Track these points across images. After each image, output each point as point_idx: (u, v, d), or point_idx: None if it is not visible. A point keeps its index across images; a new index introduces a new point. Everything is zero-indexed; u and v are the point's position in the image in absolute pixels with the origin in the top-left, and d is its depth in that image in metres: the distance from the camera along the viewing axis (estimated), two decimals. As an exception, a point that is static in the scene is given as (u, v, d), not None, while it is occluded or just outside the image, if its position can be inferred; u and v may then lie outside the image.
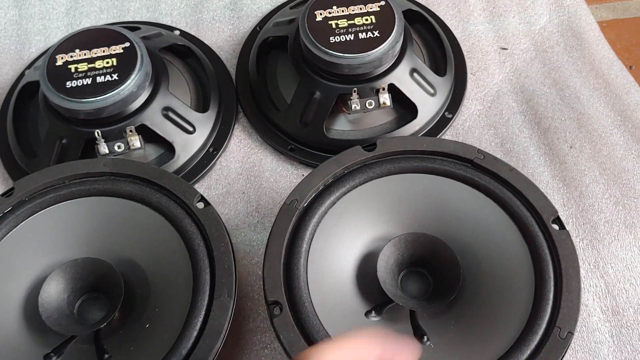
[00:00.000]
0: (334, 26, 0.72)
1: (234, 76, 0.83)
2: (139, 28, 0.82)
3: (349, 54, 0.70)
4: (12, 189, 0.63)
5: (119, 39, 0.73)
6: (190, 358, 0.54)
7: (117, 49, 0.72)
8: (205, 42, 0.86)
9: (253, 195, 0.74)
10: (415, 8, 0.83)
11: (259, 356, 0.64)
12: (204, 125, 0.76)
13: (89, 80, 0.70)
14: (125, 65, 0.71)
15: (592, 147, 0.73)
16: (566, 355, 0.62)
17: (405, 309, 0.60)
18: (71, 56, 0.72)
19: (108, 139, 0.71)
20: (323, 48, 0.71)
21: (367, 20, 0.72)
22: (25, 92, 0.79)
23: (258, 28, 0.87)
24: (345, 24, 0.72)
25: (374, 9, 0.73)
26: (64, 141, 0.72)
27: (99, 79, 0.70)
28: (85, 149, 0.72)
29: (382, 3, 0.74)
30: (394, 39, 0.71)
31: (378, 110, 0.75)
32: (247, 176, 0.75)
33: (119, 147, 0.72)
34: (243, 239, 0.71)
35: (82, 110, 0.69)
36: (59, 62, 0.71)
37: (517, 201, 0.61)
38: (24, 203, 0.63)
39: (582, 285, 0.56)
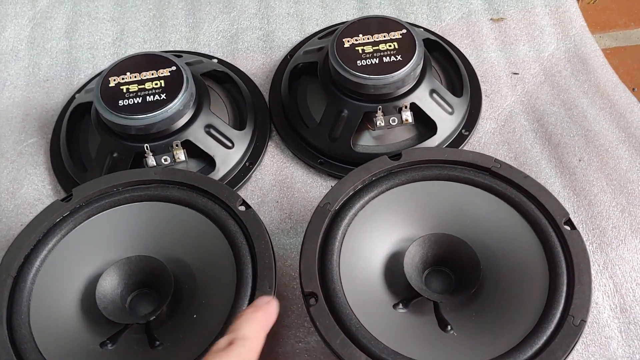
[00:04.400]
0: (360, 51, 0.80)
1: (267, 99, 0.90)
2: (181, 56, 0.90)
3: (374, 76, 0.77)
4: (70, 195, 0.70)
5: (166, 63, 0.80)
6: (235, 342, 0.60)
7: (165, 72, 0.80)
8: (241, 69, 0.93)
9: (286, 204, 0.80)
10: (432, 37, 0.90)
11: (294, 349, 0.69)
12: (241, 141, 0.83)
13: (139, 100, 0.77)
14: (172, 86, 0.78)
15: (599, 160, 0.79)
16: (578, 348, 0.68)
17: (430, 303, 0.66)
18: (122, 78, 0.79)
19: (156, 152, 0.78)
20: (351, 70, 0.78)
21: (390, 46, 0.80)
22: (76, 113, 0.86)
23: (289, 57, 0.94)
24: (371, 49, 0.80)
25: (397, 37, 0.81)
26: (114, 155, 0.79)
27: (149, 98, 0.77)
28: (134, 162, 0.79)
29: (404, 31, 0.81)
30: (415, 62, 0.78)
31: (400, 127, 0.82)
32: (280, 187, 0.82)
33: (165, 160, 0.78)
34: (277, 243, 0.77)
35: (133, 125, 0.76)
36: (112, 84, 0.79)
37: (532, 205, 0.67)
38: (82, 207, 0.69)
39: (592, 280, 0.62)
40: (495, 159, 0.70)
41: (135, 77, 0.79)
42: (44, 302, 0.65)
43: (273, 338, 0.70)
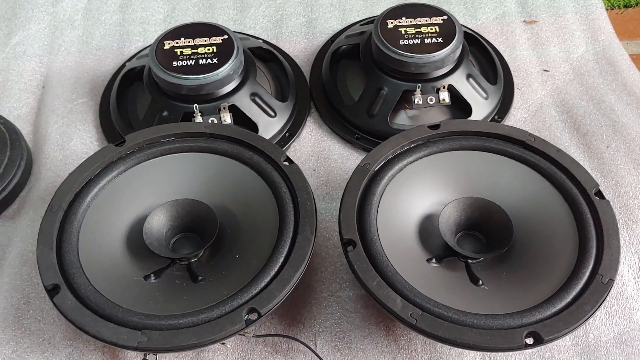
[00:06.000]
0: (403, 32, 0.84)
1: (307, 78, 0.95)
2: (230, 32, 0.95)
3: (415, 54, 0.82)
4: (123, 140, 0.73)
5: (218, 32, 0.85)
6: (277, 277, 0.62)
7: (217, 39, 0.84)
8: (284, 50, 0.98)
9: (323, 172, 0.83)
10: (469, 32, 0.95)
11: (327, 302, 0.72)
12: (282, 112, 0.87)
13: (192, 62, 0.82)
14: (223, 52, 0.83)
15: (626, 147, 0.83)
16: (602, 317, 0.70)
17: (461, 263, 0.68)
18: (177, 42, 0.84)
19: (204, 113, 0.82)
20: (393, 48, 0.82)
21: (431, 29, 0.84)
22: (127, 77, 0.91)
23: (330, 42, 0.99)
24: (413, 31, 0.84)
25: (438, 21, 0.85)
26: (164, 113, 0.83)
27: (201, 62, 0.82)
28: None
29: (445, 17, 0.86)
30: (455, 45, 0.83)
31: (436, 109, 0.86)
32: (318, 158, 0.85)
33: (212, 121, 0.82)
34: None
35: (185, 85, 0.80)
36: (167, 47, 0.83)
37: (563, 176, 0.70)
38: (133, 153, 0.73)
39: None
40: (530, 133, 0.73)
41: (189, 42, 0.84)
42: (92, 234, 0.68)
43: (307, 289, 0.73)
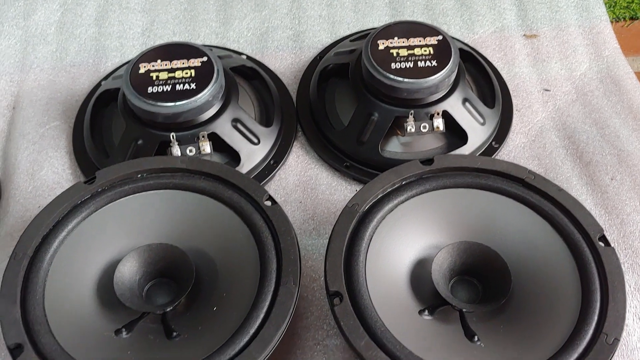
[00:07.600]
0: (395, 54, 0.79)
1: (294, 98, 0.89)
2: (211, 50, 0.89)
3: (408, 79, 0.76)
4: (93, 177, 0.68)
5: (198, 53, 0.79)
6: (257, 337, 0.58)
7: (196, 62, 0.79)
8: (269, 67, 0.92)
9: (309, 205, 0.78)
10: (466, 48, 0.90)
11: (312, 351, 0.68)
12: (267, 138, 0.82)
13: (168, 88, 0.76)
14: (202, 76, 0.77)
15: (632, 180, 0.78)
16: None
17: (456, 312, 0.64)
18: (153, 65, 0.78)
19: (181, 142, 0.77)
20: (385, 72, 0.77)
21: (425, 51, 0.79)
22: (102, 99, 0.85)
23: (319, 58, 0.93)
24: (406, 53, 0.79)
25: (433, 42, 0.80)
26: (139, 142, 0.77)
27: (178, 87, 0.76)
28: (158, 151, 0.77)
29: (440, 37, 0.80)
30: (450, 69, 0.77)
31: (429, 135, 0.81)
32: (304, 188, 0.80)
33: (190, 151, 0.77)
34: (299, 243, 0.75)
35: (161, 113, 0.75)
36: (142, 70, 0.78)
37: (565, 219, 0.65)
38: (104, 191, 0.68)
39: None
40: (529, 170, 0.68)
41: (166, 65, 0.78)
42: (60, 284, 0.63)
43: (291, 339, 0.68)
